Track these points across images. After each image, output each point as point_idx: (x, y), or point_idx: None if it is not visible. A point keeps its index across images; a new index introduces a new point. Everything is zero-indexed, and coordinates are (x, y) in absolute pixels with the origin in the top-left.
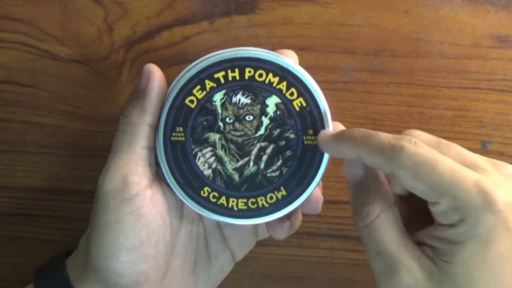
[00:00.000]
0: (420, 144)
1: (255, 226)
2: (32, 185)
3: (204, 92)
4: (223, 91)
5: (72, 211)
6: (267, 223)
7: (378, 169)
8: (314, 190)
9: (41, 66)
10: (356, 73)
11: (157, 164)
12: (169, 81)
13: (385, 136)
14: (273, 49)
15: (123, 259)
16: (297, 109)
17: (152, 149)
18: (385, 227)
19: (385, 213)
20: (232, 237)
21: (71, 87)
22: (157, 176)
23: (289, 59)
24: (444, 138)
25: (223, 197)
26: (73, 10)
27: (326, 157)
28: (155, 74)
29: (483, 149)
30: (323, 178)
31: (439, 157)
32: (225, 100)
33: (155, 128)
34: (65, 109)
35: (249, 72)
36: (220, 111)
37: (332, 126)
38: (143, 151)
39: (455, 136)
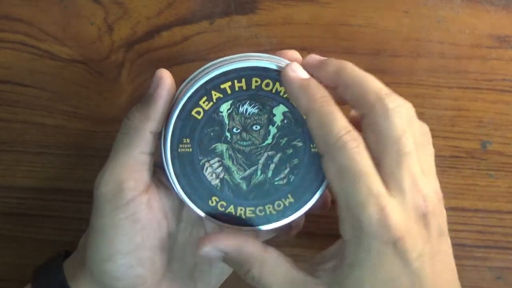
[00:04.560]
0: (362, 148)
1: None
2: (32, 185)
3: (211, 103)
4: (230, 102)
5: (72, 211)
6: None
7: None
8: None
9: (41, 66)
10: None
11: (158, 166)
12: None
13: (339, 120)
14: (273, 50)
15: (119, 262)
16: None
17: (151, 154)
18: (271, 274)
19: (264, 265)
20: None
21: (71, 87)
22: (155, 180)
23: (295, 62)
24: (444, 138)
25: (231, 206)
26: (73, 10)
27: None
28: (165, 81)
29: (483, 149)
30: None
31: (366, 172)
32: (232, 111)
33: (160, 138)
34: (65, 109)
35: (256, 81)
36: (227, 122)
37: None
38: (141, 156)
39: (455, 136)
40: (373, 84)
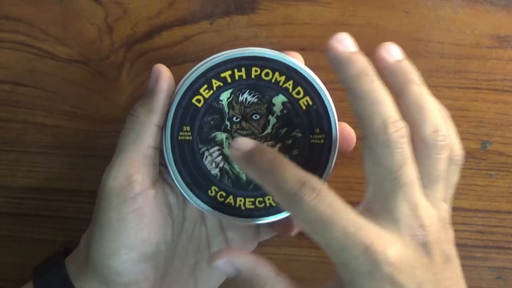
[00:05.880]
0: (324, 195)
1: (258, 227)
2: (32, 185)
3: (211, 91)
4: (230, 90)
5: (72, 211)
6: (275, 222)
7: None
8: None
9: (41, 66)
10: None
11: (161, 164)
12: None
13: (290, 177)
14: (273, 50)
15: (123, 258)
16: (304, 108)
17: (157, 149)
18: None
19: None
20: (234, 239)
21: (71, 87)
22: (160, 177)
23: (295, 59)
24: None
25: (230, 197)
26: (73, 10)
27: (333, 156)
28: (164, 74)
29: (483, 149)
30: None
31: (336, 216)
32: (232, 99)
33: (162, 128)
34: (65, 109)
35: (256, 71)
36: (227, 110)
37: (338, 126)
38: (148, 150)
39: None
40: (384, 108)
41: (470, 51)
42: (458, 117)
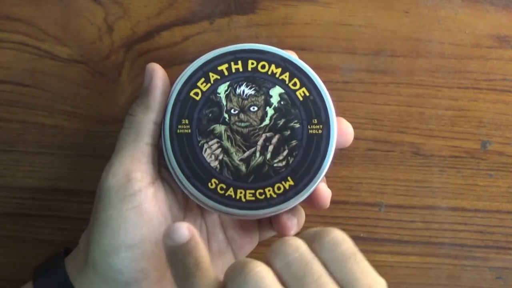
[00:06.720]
0: None
1: (258, 225)
2: (32, 185)
3: (209, 85)
4: (227, 83)
5: (72, 211)
6: (275, 222)
7: None
8: (321, 184)
9: (41, 66)
10: (356, 73)
11: (161, 164)
12: (170, 81)
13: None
14: None
15: (123, 256)
16: (301, 99)
17: (156, 146)
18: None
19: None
20: (234, 238)
21: (71, 87)
22: (159, 176)
23: (290, 53)
24: (444, 138)
25: (231, 189)
26: (73, 10)
27: (332, 146)
28: (158, 72)
29: (483, 149)
30: (326, 176)
31: None
32: (230, 92)
33: (160, 125)
34: (65, 109)
35: (252, 63)
36: (224, 103)
37: (336, 120)
38: (147, 148)
39: (455, 136)
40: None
41: (470, 51)
42: (458, 117)
